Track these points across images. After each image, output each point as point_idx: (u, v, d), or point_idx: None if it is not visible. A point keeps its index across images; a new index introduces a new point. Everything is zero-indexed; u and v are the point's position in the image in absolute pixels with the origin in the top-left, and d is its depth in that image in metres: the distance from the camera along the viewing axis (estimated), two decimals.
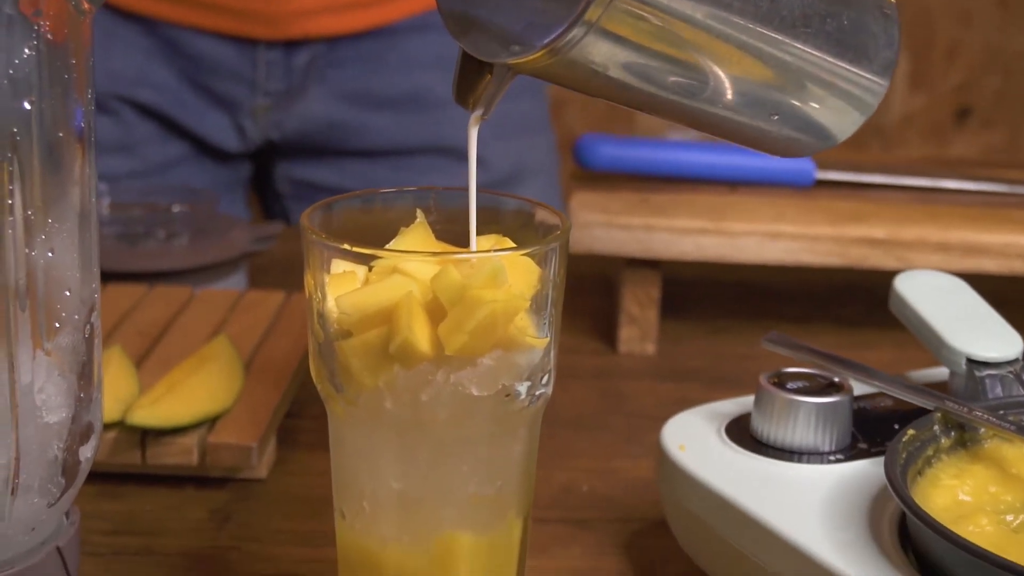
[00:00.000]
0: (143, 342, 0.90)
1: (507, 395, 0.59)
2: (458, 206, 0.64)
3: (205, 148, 1.28)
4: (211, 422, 0.79)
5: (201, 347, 0.86)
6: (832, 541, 0.61)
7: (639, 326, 1.00)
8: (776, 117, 0.58)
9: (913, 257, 0.96)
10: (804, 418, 0.68)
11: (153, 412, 0.77)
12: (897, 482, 0.59)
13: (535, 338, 0.59)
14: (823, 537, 0.61)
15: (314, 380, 0.61)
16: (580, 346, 1.00)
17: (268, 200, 1.37)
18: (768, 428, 0.68)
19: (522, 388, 0.59)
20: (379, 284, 0.58)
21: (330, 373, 0.59)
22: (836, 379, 0.70)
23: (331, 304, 0.59)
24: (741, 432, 0.70)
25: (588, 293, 1.08)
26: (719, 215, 0.98)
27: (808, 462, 0.67)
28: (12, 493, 0.58)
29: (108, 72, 1.22)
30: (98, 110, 1.21)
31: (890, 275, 0.79)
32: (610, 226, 0.97)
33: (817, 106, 0.59)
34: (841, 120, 0.60)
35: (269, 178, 1.34)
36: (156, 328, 0.92)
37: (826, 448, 0.68)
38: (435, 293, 0.57)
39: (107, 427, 0.77)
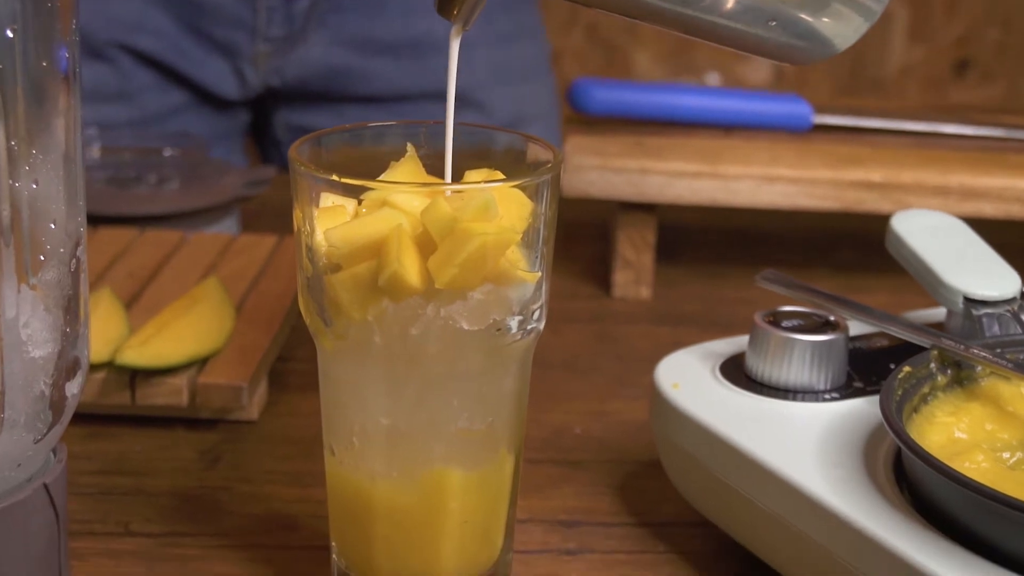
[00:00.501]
0: (133, 285, 0.89)
1: (498, 330, 0.58)
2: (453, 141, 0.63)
3: (204, 96, 1.27)
4: (201, 363, 0.79)
5: (191, 289, 0.85)
6: (826, 478, 0.60)
7: (634, 270, 0.99)
8: (774, 23, 0.57)
9: (911, 201, 0.95)
10: (799, 356, 0.67)
11: (142, 352, 0.77)
12: (892, 418, 0.59)
13: (527, 272, 0.58)
14: (817, 474, 0.60)
15: (303, 315, 0.60)
16: (574, 290, 1.00)
17: (266, 148, 1.36)
18: (762, 366, 0.68)
19: (513, 323, 0.58)
20: (369, 217, 0.57)
21: (319, 308, 0.59)
22: (832, 318, 0.69)
23: (320, 237, 0.58)
24: (735, 371, 0.69)
25: (583, 238, 1.08)
26: (714, 158, 0.97)
27: (803, 400, 0.67)
28: None
29: (106, 18, 1.21)
30: (96, 58, 1.21)
31: (887, 219, 0.78)
32: (604, 169, 0.96)
33: (818, 12, 0.57)
34: (843, 27, 0.58)
35: (268, 125, 1.33)
36: (146, 271, 0.91)
37: (821, 386, 0.67)
38: (425, 226, 0.56)
39: (96, 368, 0.77)
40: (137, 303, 0.86)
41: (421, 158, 0.62)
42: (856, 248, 1.07)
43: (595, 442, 0.79)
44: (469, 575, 0.62)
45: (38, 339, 0.59)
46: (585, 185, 0.97)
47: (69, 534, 0.67)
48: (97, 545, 0.67)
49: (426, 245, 0.57)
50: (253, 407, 0.79)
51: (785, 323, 0.68)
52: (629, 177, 0.96)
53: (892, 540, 0.56)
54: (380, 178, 0.60)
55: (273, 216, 1.09)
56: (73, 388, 0.61)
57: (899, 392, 0.62)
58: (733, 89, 1.05)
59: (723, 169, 0.96)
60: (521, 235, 0.58)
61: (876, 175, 0.95)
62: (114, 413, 0.78)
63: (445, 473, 0.59)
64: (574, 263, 1.03)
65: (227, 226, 1.04)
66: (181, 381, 0.77)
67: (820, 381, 0.67)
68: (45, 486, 0.61)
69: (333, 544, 0.62)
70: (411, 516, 0.60)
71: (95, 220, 1.02)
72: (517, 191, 0.58)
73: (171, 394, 0.77)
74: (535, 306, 0.59)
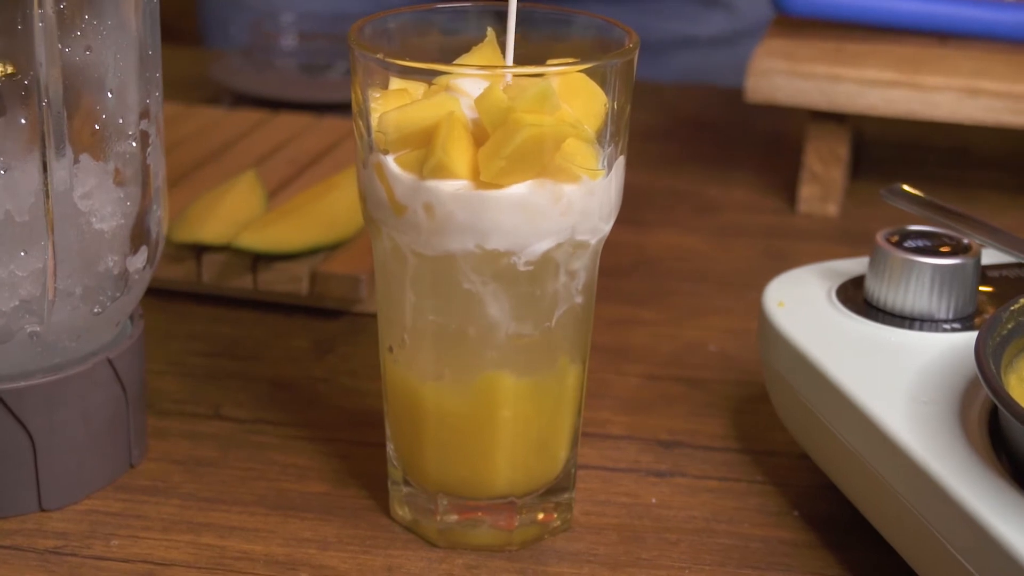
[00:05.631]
0: (289, 170, 0.88)
1: None
2: (532, 26, 0.59)
3: None
4: (329, 251, 0.77)
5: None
6: (908, 416, 0.54)
7: (821, 185, 0.92)
8: None
9: None
10: (918, 280, 0.60)
11: (260, 236, 0.75)
12: (983, 357, 0.52)
13: (589, 169, 0.54)
14: (900, 411, 0.54)
15: (360, 204, 0.57)
16: (755, 204, 0.94)
17: None
18: (880, 290, 0.62)
19: None
20: (422, 103, 0.54)
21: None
22: (966, 241, 0.62)
23: (373, 122, 0.55)
24: (854, 294, 0.63)
25: (773, 149, 1.01)
26: (915, 67, 0.89)
27: (919, 329, 0.60)
28: (51, 297, 0.57)
29: None
30: None
31: None
32: (792, 75, 0.90)
33: None
34: None
35: None
36: (307, 157, 0.90)
37: (942, 315, 0.61)
38: (479, 114, 0.53)
39: (217, 250, 0.76)
40: (286, 188, 0.85)
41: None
42: None
43: (724, 360, 0.74)
44: (525, 488, 0.58)
45: (103, 212, 0.58)
46: (771, 91, 0.90)
47: (159, 413, 0.67)
48: (182, 426, 0.67)
49: (482, 135, 0.53)
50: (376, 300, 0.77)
51: (909, 243, 0.62)
52: (818, 84, 0.90)
53: (971, 500, 0.49)
54: (455, 63, 0.57)
55: None
56: (136, 263, 0.60)
57: (1009, 325, 0.55)
58: None
59: (921, 79, 0.88)
60: (584, 128, 0.53)
61: None
62: (238, 296, 0.77)
63: (496, 378, 0.56)
64: (759, 175, 0.97)
65: None
66: (302, 269, 0.75)
67: (941, 309, 0.61)
68: (109, 360, 0.61)
69: (390, 446, 0.60)
70: (461, 422, 0.57)
71: (281, 105, 1.02)
72: (588, 81, 0.54)
73: (291, 281, 0.75)
74: (600, 209, 0.55)
